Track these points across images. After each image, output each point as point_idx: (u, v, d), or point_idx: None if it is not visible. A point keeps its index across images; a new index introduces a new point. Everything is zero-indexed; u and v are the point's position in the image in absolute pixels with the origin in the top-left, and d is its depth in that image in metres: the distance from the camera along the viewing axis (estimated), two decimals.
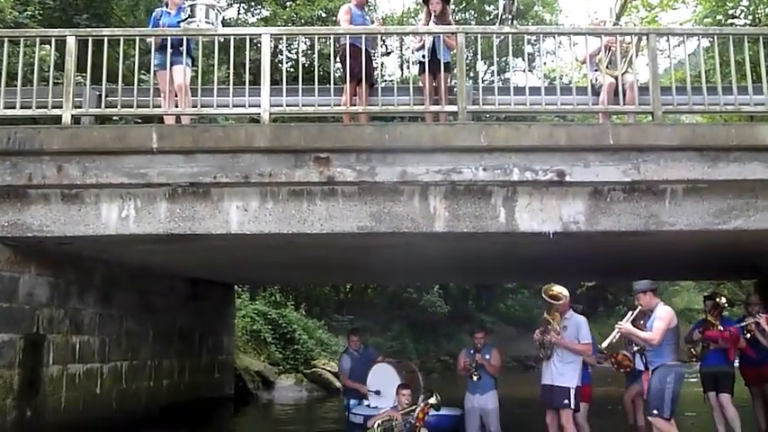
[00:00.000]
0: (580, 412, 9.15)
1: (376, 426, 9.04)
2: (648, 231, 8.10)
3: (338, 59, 9.02)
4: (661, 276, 21.79)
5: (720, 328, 9.40)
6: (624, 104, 8.54)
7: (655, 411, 7.60)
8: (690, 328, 10.12)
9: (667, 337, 7.56)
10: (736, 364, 10.15)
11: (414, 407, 8.94)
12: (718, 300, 9.72)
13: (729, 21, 17.11)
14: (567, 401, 8.11)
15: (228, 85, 8.39)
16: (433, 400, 8.98)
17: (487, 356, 9.92)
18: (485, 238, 8.31)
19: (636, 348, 8.80)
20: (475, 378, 9.65)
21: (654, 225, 8.01)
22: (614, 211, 7.99)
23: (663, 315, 7.63)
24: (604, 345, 8.25)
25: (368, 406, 10.13)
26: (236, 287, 17.30)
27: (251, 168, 7.78)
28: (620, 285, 34.24)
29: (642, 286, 7.97)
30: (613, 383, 15.87)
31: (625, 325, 7.88)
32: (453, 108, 8.18)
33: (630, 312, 8.30)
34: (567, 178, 7.81)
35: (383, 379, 10.35)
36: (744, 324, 9.15)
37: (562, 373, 8.23)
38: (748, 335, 9.28)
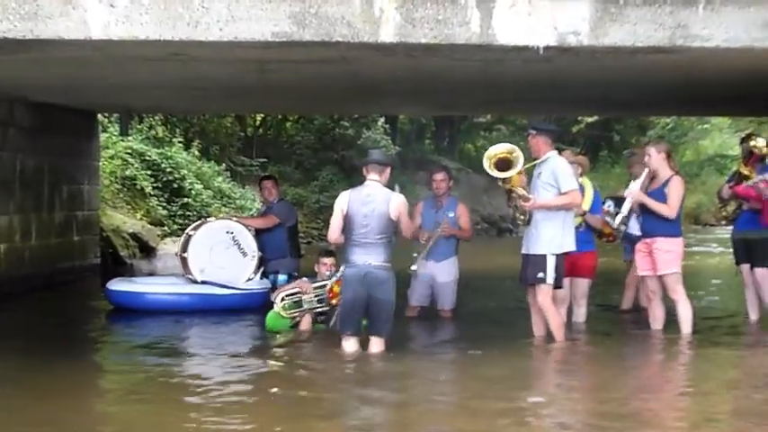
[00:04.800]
0: (578, 289, 9.64)
1: (279, 299, 9.58)
2: (674, 47, 8.16)
3: None
4: (686, 110, 22.24)
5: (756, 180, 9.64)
6: None
7: None
8: (725, 180, 10.45)
9: (346, 230, 8.26)
10: None
11: (327, 281, 9.41)
12: (753, 143, 9.95)
13: None
14: (541, 274, 8.50)
15: None
16: None
17: (451, 214, 10.26)
18: (450, 52, 8.30)
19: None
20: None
21: (681, 39, 8.06)
22: (629, 19, 7.98)
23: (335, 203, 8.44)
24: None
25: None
26: (100, 116, 17.10)
27: None
28: (629, 122, 34.91)
29: (373, 158, 8.68)
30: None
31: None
32: None
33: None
34: None
35: (216, 247, 11.15)
36: (752, 183, 9.44)
37: (538, 236, 8.58)
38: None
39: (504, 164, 8.54)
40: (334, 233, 8.34)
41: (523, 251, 8.74)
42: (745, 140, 10.26)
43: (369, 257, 8.16)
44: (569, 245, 8.71)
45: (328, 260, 9.78)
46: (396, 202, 8.28)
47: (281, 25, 7.79)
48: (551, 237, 8.56)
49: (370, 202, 8.20)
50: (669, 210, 9.02)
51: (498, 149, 8.63)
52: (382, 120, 27.21)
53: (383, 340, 8.32)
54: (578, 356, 8.60)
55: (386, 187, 8.39)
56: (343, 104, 17.50)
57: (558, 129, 9.24)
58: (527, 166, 8.70)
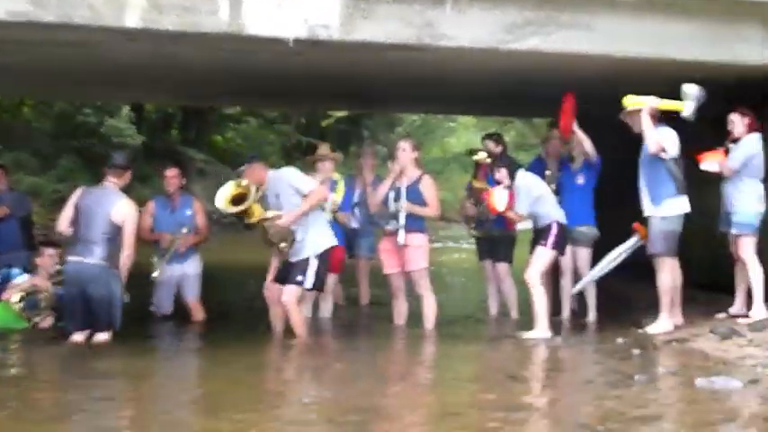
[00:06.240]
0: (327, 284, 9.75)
1: (12, 300, 9.18)
2: (422, 46, 8.38)
3: None
4: (434, 108, 22.90)
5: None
6: None
7: None
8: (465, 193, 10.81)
9: (75, 226, 8.51)
10: None
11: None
12: (476, 157, 10.31)
13: None
14: (300, 278, 8.60)
15: None
16: None
17: (188, 212, 10.11)
18: (198, 41, 8.25)
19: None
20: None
21: (429, 38, 8.28)
22: (379, 15, 8.13)
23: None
24: None
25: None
26: None
27: None
28: (379, 119, 35.64)
29: (114, 162, 8.91)
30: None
31: None
32: None
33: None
34: None
35: None
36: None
37: (303, 245, 8.67)
38: None
39: (240, 199, 8.57)
40: (62, 223, 8.54)
41: (291, 259, 8.71)
42: (470, 154, 10.68)
43: (85, 254, 8.27)
44: (329, 241, 8.81)
45: (54, 251, 9.55)
46: (122, 206, 8.46)
47: (18, 4, 7.49)
48: (312, 240, 8.63)
49: (98, 200, 8.41)
50: (433, 211, 9.34)
51: (227, 191, 8.64)
52: (127, 108, 26.56)
53: (107, 333, 8.43)
54: (320, 351, 8.64)
55: (122, 190, 8.66)
56: (86, 90, 16.95)
57: (255, 155, 9.35)
58: (260, 193, 8.66)
